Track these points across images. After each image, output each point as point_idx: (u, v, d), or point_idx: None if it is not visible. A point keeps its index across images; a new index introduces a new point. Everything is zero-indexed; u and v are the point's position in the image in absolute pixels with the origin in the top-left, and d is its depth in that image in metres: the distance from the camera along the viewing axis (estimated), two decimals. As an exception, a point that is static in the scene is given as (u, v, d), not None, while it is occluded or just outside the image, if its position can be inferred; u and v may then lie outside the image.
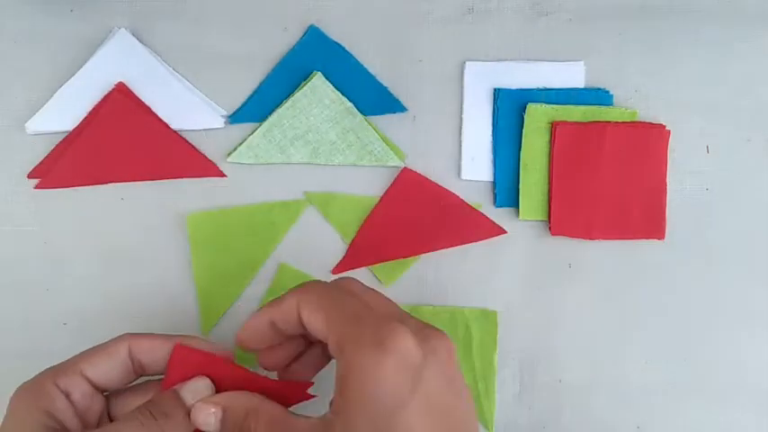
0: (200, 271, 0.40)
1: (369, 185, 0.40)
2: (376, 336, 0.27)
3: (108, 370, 0.31)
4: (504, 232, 0.40)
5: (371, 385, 0.27)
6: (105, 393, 0.32)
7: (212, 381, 0.31)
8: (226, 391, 0.31)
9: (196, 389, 0.31)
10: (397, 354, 0.27)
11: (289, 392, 0.32)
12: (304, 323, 0.30)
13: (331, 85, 0.39)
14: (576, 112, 0.39)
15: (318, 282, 0.31)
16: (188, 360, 0.31)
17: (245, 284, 0.40)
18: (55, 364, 0.39)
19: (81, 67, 0.39)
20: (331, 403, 0.28)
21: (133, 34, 0.39)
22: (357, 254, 0.40)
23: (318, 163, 0.40)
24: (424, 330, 0.29)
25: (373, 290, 0.31)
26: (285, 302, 0.30)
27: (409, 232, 0.40)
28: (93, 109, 0.39)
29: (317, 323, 0.29)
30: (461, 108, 0.40)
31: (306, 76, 0.39)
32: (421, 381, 0.27)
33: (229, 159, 0.40)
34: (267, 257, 0.40)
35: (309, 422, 0.29)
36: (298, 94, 0.39)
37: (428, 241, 0.40)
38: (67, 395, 0.31)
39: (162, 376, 0.32)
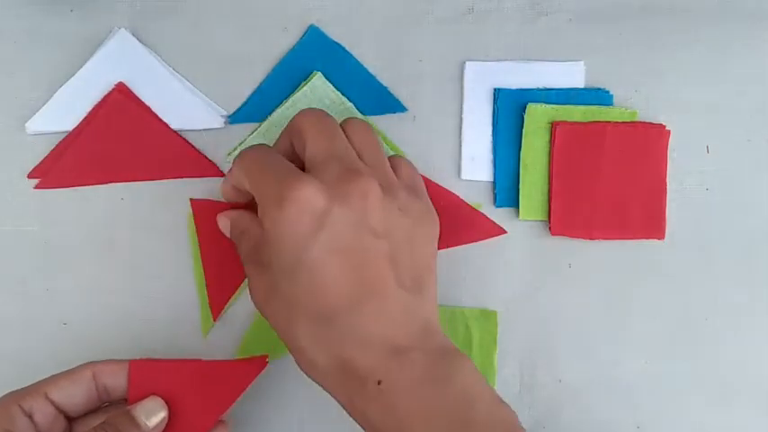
0: (198, 265, 0.40)
1: (369, 185, 0.40)
2: (278, 192, 0.30)
3: (72, 393, 0.33)
4: (504, 232, 0.40)
5: (277, 235, 0.31)
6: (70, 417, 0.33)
7: (173, 382, 0.34)
8: (190, 389, 0.34)
9: (149, 409, 0.33)
10: (296, 203, 0.30)
11: (249, 368, 0.35)
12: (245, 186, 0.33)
13: (331, 85, 0.39)
14: (576, 112, 0.39)
15: (248, 149, 0.34)
16: (145, 372, 0.34)
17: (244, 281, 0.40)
18: (55, 364, 0.40)
19: (81, 67, 0.39)
20: None
21: (133, 34, 0.39)
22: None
23: (318, 163, 0.40)
24: (339, 176, 0.31)
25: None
26: (232, 169, 0.34)
27: None
28: (93, 109, 0.39)
29: (247, 186, 0.33)
30: (461, 108, 0.40)
31: (306, 76, 0.39)
32: (324, 224, 0.30)
33: (229, 159, 0.40)
34: None
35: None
36: (298, 94, 0.39)
37: None
38: (30, 416, 0.32)
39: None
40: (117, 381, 0.34)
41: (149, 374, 0.34)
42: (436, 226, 0.35)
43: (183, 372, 0.34)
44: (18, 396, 0.32)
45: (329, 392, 0.32)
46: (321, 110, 0.34)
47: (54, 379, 0.33)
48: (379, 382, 0.30)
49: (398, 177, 0.34)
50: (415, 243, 0.33)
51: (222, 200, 0.38)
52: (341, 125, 0.34)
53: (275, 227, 0.31)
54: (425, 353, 0.31)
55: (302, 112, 0.34)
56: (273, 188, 0.31)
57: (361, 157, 0.33)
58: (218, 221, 0.37)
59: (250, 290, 0.34)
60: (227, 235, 0.37)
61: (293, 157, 0.34)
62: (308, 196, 0.30)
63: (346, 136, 0.34)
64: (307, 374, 0.33)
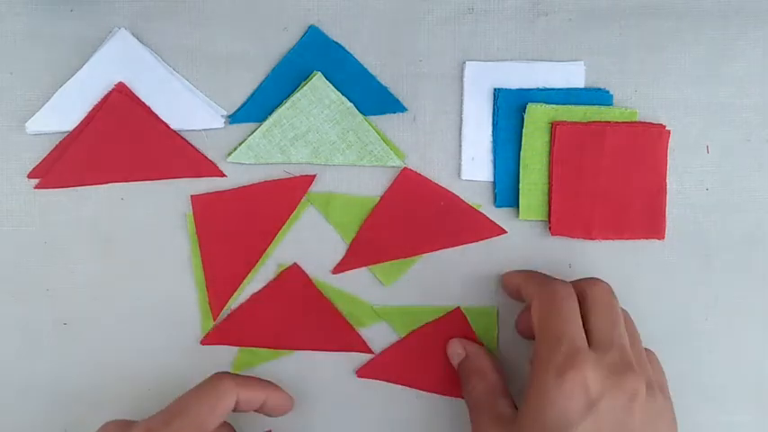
0: (198, 265, 0.40)
1: (369, 185, 0.40)
2: (562, 363, 0.31)
3: (249, 400, 0.35)
4: (504, 232, 0.40)
5: (545, 403, 0.31)
6: None
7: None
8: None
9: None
10: (575, 382, 0.31)
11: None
12: (531, 313, 0.35)
13: (331, 86, 0.39)
14: (576, 112, 0.39)
15: (555, 286, 0.34)
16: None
17: (245, 280, 0.40)
18: (54, 364, 0.40)
19: (81, 67, 0.39)
20: None
21: (133, 34, 0.39)
22: (357, 254, 0.40)
23: (318, 163, 0.40)
24: (616, 367, 0.32)
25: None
26: (529, 286, 0.36)
27: (409, 232, 0.40)
28: (93, 109, 0.39)
29: (534, 319, 0.34)
30: (461, 108, 0.40)
31: (306, 76, 0.39)
32: (594, 411, 0.31)
33: (229, 159, 0.40)
34: (272, 241, 0.40)
35: (507, 411, 0.35)
36: (298, 94, 0.39)
37: (428, 241, 0.40)
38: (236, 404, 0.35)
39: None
40: (249, 404, 0.35)
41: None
42: (675, 427, 0.34)
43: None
44: (240, 381, 0.35)
45: None
46: (609, 288, 0.35)
47: (246, 380, 0.35)
48: None
49: (653, 371, 0.34)
50: None
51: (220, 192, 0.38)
52: (587, 291, 0.35)
53: (546, 395, 0.31)
54: None
55: (593, 287, 0.35)
56: (560, 355, 0.31)
57: (630, 345, 0.33)
58: (451, 346, 0.39)
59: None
60: (454, 363, 0.39)
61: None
62: (587, 379, 0.31)
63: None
64: None
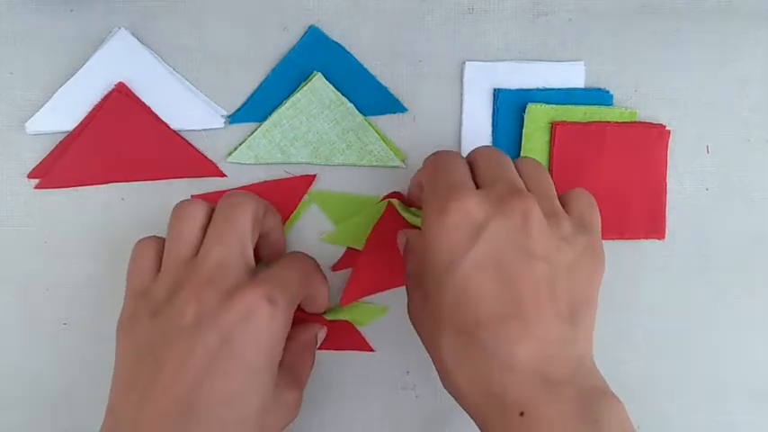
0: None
1: (369, 185, 0.40)
2: (441, 200, 0.31)
3: None
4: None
5: (432, 243, 0.30)
6: None
7: None
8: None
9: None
10: (456, 214, 0.30)
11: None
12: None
13: (331, 86, 0.39)
14: (576, 112, 0.39)
15: (436, 153, 0.34)
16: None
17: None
18: (55, 364, 0.40)
19: (81, 67, 0.39)
20: None
21: (133, 34, 0.39)
22: (356, 253, 0.40)
23: (318, 163, 0.40)
24: (501, 194, 0.31)
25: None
26: (420, 168, 0.35)
27: None
28: (93, 109, 0.39)
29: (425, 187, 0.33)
30: (461, 108, 0.40)
31: (306, 76, 0.39)
32: (479, 239, 0.30)
33: (229, 159, 0.40)
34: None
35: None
36: (298, 95, 0.39)
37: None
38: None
39: None
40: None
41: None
42: (602, 264, 0.33)
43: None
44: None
45: (468, 413, 0.31)
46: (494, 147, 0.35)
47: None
48: (521, 414, 0.28)
49: (569, 211, 0.33)
50: (575, 274, 0.31)
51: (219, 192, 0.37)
52: (473, 153, 0.34)
53: (432, 234, 0.30)
54: (577, 390, 0.29)
55: (479, 147, 0.34)
56: (441, 195, 0.31)
57: (527, 185, 0.33)
58: (399, 237, 0.37)
59: (408, 304, 0.34)
60: (402, 251, 0.37)
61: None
62: (469, 207, 0.30)
63: (517, 169, 0.33)
64: (448, 392, 0.31)
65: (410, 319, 0.34)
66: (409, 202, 0.39)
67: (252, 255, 0.33)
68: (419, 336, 0.33)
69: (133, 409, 0.30)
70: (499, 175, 0.32)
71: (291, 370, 0.35)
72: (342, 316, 0.39)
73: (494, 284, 0.29)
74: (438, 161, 0.34)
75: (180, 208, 0.34)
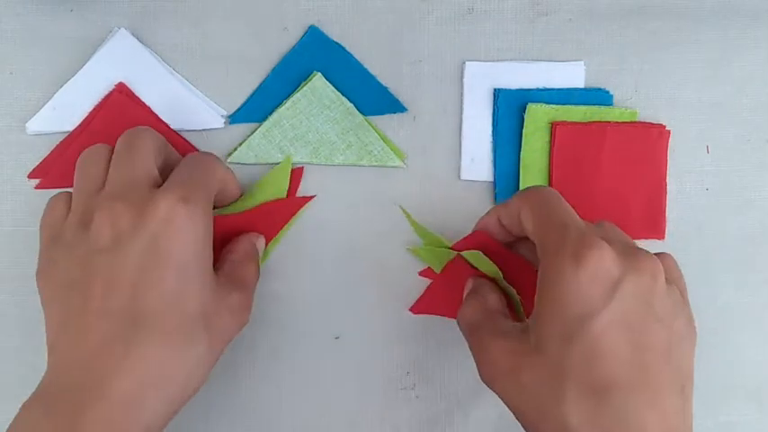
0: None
1: (369, 185, 0.40)
2: (576, 246, 0.29)
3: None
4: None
5: (565, 292, 0.28)
6: None
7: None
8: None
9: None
10: (593, 266, 0.28)
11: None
12: (522, 224, 0.32)
13: (331, 86, 0.39)
14: (576, 112, 0.39)
15: (540, 188, 0.33)
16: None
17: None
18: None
19: (81, 67, 0.39)
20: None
21: (133, 34, 0.39)
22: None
23: (318, 163, 0.40)
24: (630, 250, 0.30)
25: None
26: (510, 203, 0.33)
27: None
28: (93, 109, 0.39)
29: (529, 225, 0.32)
30: (461, 108, 0.40)
31: (306, 77, 0.40)
32: (615, 295, 0.28)
33: (229, 159, 0.40)
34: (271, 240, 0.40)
35: (509, 325, 0.32)
36: (298, 95, 0.39)
37: None
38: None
39: None
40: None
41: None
42: (696, 335, 0.31)
43: (233, 224, 0.37)
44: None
45: None
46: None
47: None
48: None
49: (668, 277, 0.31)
50: (683, 343, 0.30)
51: None
52: None
53: (562, 283, 0.28)
54: None
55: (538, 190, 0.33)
56: (572, 240, 0.29)
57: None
58: (468, 283, 0.36)
59: (481, 362, 0.32)
60: (465, 295, 0.36)
61: (504, 229, 0.35)
62: (606, 259, 0.28)
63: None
64: None
65: (494, 375, 0.31)
66: (484, 240, 0.36)
67: (158, 174, 0.33)
68: (511, 398, 0.30)
69: (74, 340, 0.30)
70: (610, 235, 0.31)
71: (232, 275, 0.35)
72: (260, 198, 0.39)
73: (626, 346, 0.28)
74: (550, 199, 0.32)
75: (83, 154, 0.34)
